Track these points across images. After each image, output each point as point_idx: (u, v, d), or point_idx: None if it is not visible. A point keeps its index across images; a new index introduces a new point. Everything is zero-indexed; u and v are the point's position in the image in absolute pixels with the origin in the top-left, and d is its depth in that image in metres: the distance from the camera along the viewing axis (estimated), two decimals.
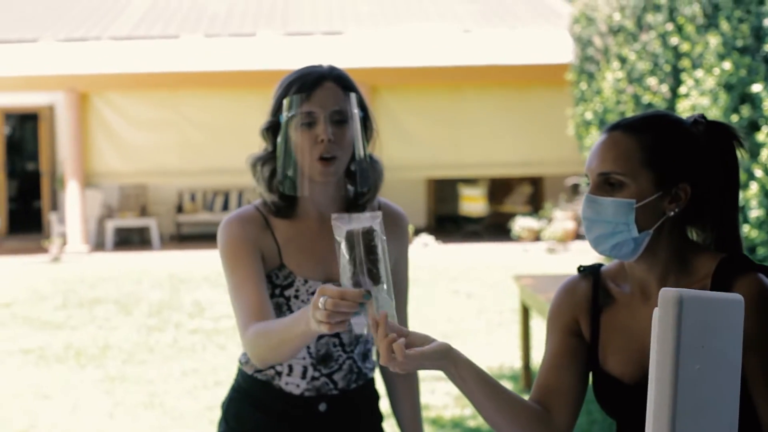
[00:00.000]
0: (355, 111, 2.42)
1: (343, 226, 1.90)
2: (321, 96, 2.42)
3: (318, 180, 2.45)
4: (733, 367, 1.65)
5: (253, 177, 2.53)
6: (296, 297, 2.49)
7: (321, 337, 2.50)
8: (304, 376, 2.54)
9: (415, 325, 9.59)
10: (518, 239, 16.03)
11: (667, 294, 1.54)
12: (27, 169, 21.00)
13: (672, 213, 1.98)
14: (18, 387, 7.55)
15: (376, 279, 1.88)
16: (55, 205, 17.87)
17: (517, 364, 7.71)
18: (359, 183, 2.47)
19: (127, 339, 9.25)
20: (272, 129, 2.50)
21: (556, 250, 14.88)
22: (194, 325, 9.84)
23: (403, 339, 1.85)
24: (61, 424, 6.58)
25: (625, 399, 2.02)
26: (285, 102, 2.43)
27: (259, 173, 2.51)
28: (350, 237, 1.88)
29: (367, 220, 1.90)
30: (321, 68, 2.48)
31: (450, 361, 1.91)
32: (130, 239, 17.44)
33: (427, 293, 11.14)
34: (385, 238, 1.90)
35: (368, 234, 1.88)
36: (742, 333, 1.64)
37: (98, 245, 16.86)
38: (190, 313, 10.44)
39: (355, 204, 2.56)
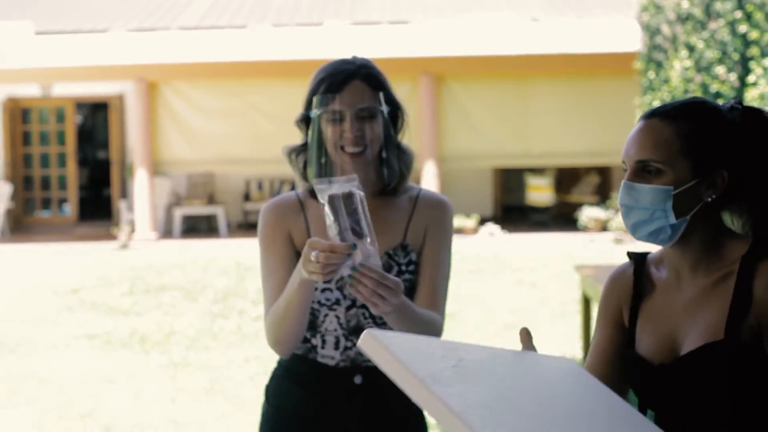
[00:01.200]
0: (382, 109, 2.58)
1: (325, 191, 2.18)
2: (348, 95, 2.56)
3: (348, 171, 2.60)
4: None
5: (290, 166, 2.70)
6: None
7: (350, 308, 2.61)
8: (336, 346, 2.62)
9: (478, 314, 9.49)
10: (585, 229, 15.92)
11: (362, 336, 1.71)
12: (97, 158, 21.32)
13: (709, 199, 1.99)
14: (83, 371, 7.67)
15: (359, 234, 2.18)
16: (125, 193, 18.10)
17: (579, 354, 7.66)
18: (386, 175, 2.64)
19: (191, 325, 9.35)
20: (305, 121, 2.65)
21: (623, 240, 14.74)
22: (258, 312, 9.91)
23: None
24: (124, 408, 6.68)
25: (649, 378, 2.05)
26: (315, 99, 2.58)
27: (294, 162, 2.68)
28: (332, 201, 2.17)
29: (345, 184, 2.19)
30: (351, 66, 2.60)
31: None
32: (198, 227, 17.61)
33: (491, 283, 11.12)
34: (363, 194, 2.19)
35: (348, 197, 2.17)
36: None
37: (166, 233, 17.05)
38: (254, 301, 10.52)
39: (386, 190, 2.67)
